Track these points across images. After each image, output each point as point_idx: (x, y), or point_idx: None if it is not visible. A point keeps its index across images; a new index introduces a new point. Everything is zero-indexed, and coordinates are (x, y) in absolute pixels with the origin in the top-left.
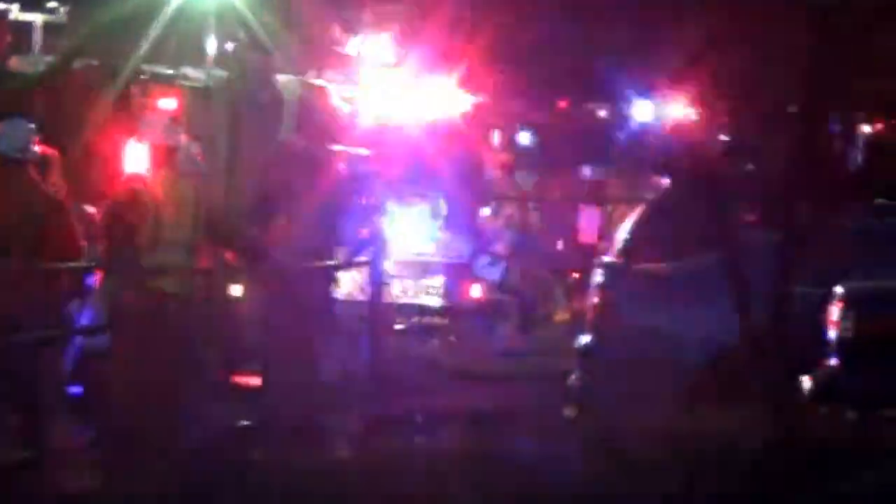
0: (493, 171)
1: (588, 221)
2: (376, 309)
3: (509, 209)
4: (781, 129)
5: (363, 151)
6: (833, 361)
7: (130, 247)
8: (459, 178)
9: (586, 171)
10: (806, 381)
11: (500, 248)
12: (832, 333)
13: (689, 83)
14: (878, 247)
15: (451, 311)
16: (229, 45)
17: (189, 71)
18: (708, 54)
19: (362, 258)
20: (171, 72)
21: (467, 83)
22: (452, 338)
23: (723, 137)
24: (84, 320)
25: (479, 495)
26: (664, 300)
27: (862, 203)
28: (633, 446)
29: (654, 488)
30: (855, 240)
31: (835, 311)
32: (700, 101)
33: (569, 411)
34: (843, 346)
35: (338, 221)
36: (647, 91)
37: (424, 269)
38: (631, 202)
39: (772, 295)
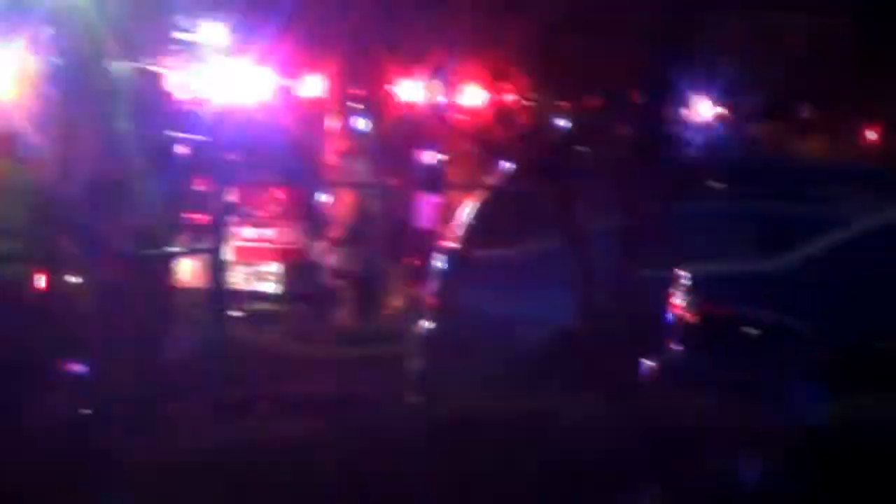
0: (330, 157)
1: (426, 207)
2: (217, 296)
3: (348, 195)
4: (624, 114)
5: (202, 138)
6: (676, 345)
7: None
8: (297, 164)
9: (425, 157)
10: (649, 365)
11: (338, 233)
12: (675, 317)
13: (530, 68)
14: (721, 231)
15: (288, 297)
16: (65, 31)
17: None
18: (548, 38)
19: (202, 245)
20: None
21: (305, 69)
22: (289, 324)
23: (562, 122)
24: None
25: (325, 482)
26: (506, 285)
27: (702, 188)
28: (476, 431)
29: (498, 474)
30: (698, 224)
31: (677, 296)
32: (539, 86)
33: (411, 397)
34: (685, 330)
35: (177, 208)
36: (483, 76)
37: (262, 255)
38: (471, 188)
39: (615, 279)
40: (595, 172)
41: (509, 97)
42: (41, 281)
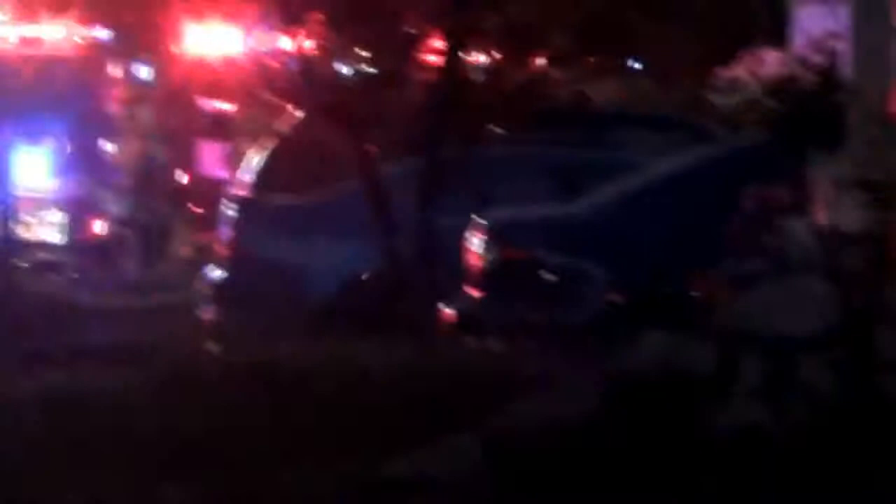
0: (114, 105)
1: (210, 155)
2: (6, 247)
3: (132, 143)
4: (420, 57)
5: None
6: (474, 291)
7: None
8: (81, 112)
9: (210, 103)
10: (448, 312)
11: (122, 182)
12: (473, 263)
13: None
14: (517, 176)
15: (73, 246)
16: None
17: None
18: None
19: None
20: None
21: (85, 17)
22: (74, 273)
23: (350, 66)
24: None
25: (128, 431)
26: (297, 232)
27: (498, 132)
28: (272, 379)
29: (292, 423)
30: (495, 169)
31: (475, 242)
32: (325, 29)
33: (208, 345)
34: (483, 276)
35: None
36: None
37: (45, 204)
38: (257, 134)
39: (412, 225)
40: (392, 117)
41: (302, 42)
42: None
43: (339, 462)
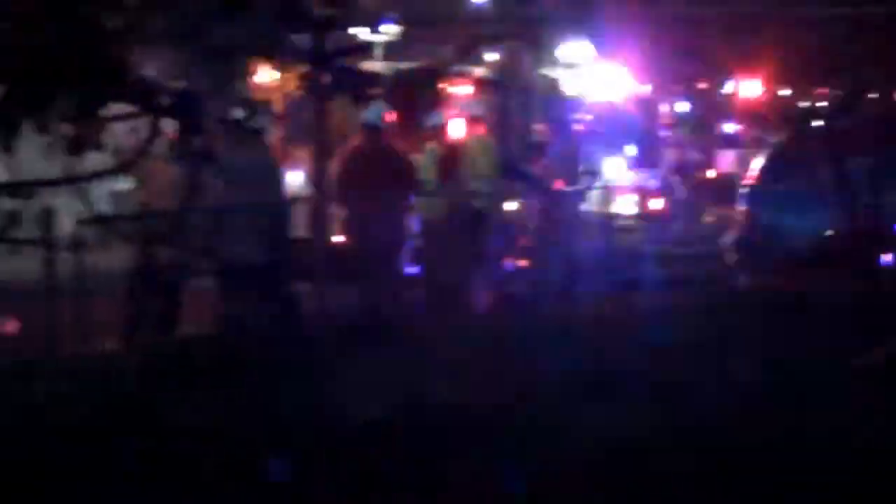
0: (663, 129)
1: (726, 159)
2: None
3: (673, 151)
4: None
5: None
6: None
7: (455, 179)
8: (644, 134)
9: (725, 126)
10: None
11: (669, 175)
12: None
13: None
14: None
15: (640, 215)
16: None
17: (475, 69)
18: None
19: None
20: (467, 69)
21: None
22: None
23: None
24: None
25: None
26: (786, 207)
27: None
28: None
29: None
30: None
31: None
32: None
33: (739, 281)
34: None
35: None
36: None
37: (625, 190)
38: (759, 145)
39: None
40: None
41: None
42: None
43: None
